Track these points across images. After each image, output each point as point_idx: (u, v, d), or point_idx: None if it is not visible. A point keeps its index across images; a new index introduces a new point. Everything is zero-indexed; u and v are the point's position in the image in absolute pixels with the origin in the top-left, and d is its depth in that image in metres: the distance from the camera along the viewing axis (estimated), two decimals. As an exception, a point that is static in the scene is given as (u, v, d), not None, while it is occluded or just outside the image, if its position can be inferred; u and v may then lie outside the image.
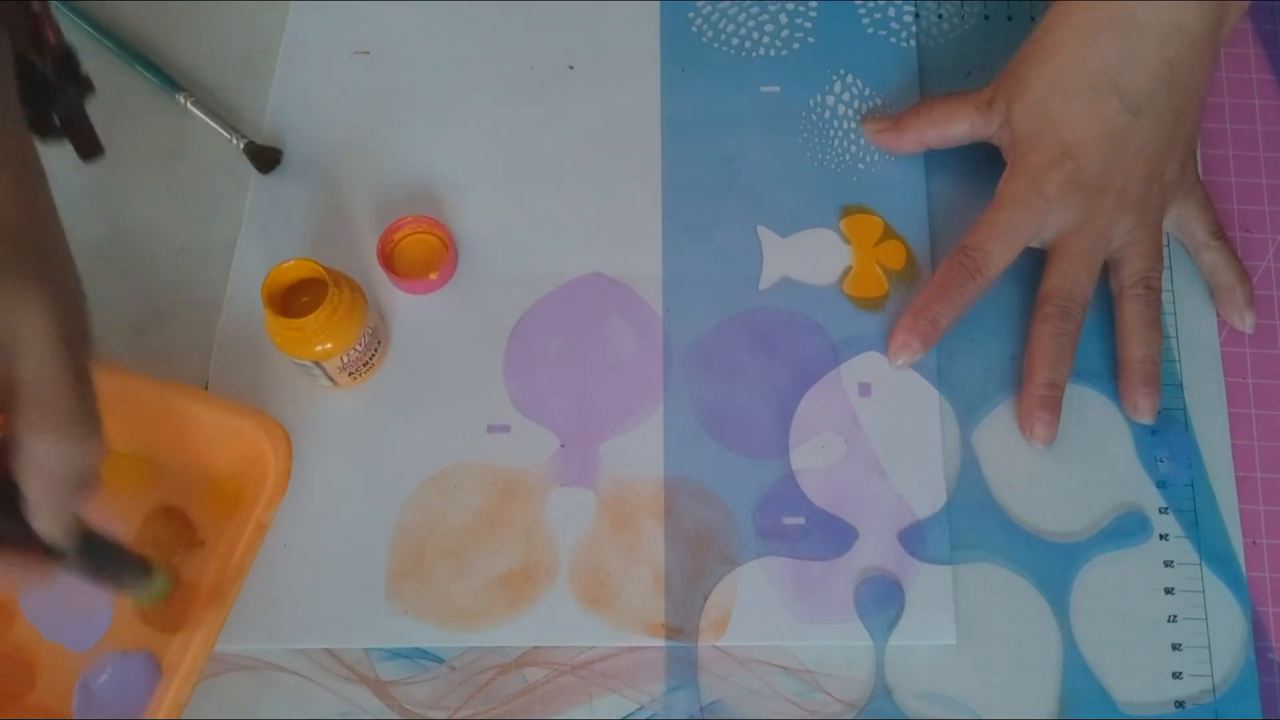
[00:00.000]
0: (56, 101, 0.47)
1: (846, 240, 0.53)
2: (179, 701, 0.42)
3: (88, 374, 0.35)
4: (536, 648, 0.46)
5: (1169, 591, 0.47)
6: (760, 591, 0.47)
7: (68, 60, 0.46)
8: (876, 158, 0.54)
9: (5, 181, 0.35)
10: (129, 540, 0.47)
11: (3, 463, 0.34)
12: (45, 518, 0.35)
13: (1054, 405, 0.48)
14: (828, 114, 0.55)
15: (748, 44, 0.57)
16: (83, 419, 0.34)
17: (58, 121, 0.47)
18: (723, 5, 0.58)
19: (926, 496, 0.48)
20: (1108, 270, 0.50)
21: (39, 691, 0.45)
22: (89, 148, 0.49)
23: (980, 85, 0.52)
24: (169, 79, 0.56)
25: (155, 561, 0.43)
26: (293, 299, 0.47)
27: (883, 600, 0.47)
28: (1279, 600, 0.47)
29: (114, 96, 0.56)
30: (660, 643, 0.46)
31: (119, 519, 0.47)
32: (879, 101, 0.56)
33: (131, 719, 0.44)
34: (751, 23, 0.57)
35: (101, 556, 0.40)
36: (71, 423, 0.34)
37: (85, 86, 0.48)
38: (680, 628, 0.46)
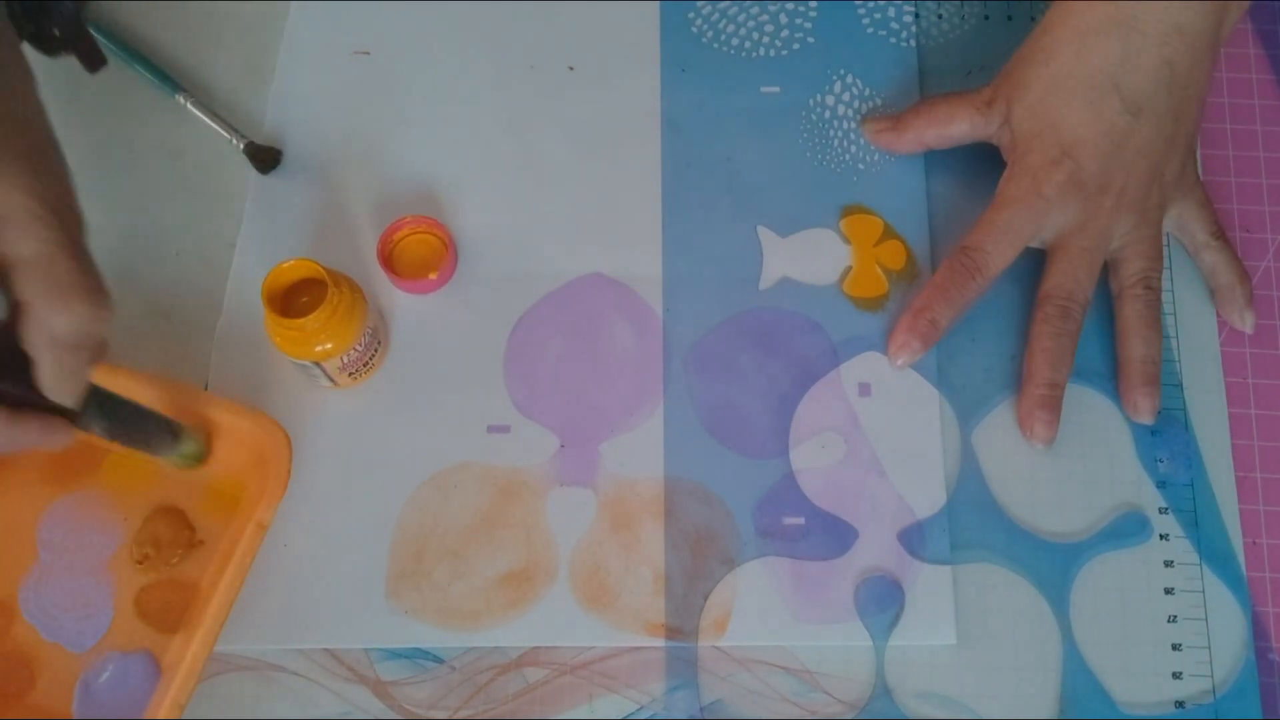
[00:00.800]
0: (54, 14, 0.49)
1: (846, 240, 0.53)
2: (179, 701, 0.42)
3: (84, 244, 0.37)
4: (536, 648, 0.46)
5: (1169, 591, 0.47)
6: (760, 591, 0.47)
7: None
8: (876, 158, 0.54)
9: None
10: (129, 533, 0.47)
11: (14, 334, 0.36)
12: (55, 384, 0.37)
13: (1054, 405, 0.48)
14: (828, 114, 0.55)
15: (748, 44, 0.57)
16: (89, 287, 0.36)
17: (57, 33, 0.50)
18: (723, 5, 0.58)
19: (926, 496, 0.48)
20: (1108, 270, 0.50)
21: (39, 692, 0.45)
22: (92, 59, 0.51)
23: (980, 85, 0.52)
24: (169, 79, 0.56)
25: (185, 425, 0.44)
26: (293, 299, 0.47)
27: (883, 600, 0.47)
28: (1279, 600, 0.47)
29: (114, 96, 0.56)
30: (660, 643, 0.46)
31: (119, 518, 0.47)
32: (879, 101, 0.56)
33: (132, 719, 0.44)
34: (751, 23, 0.57)
35: (122, 418, 0.41)
36: (79, 291, 0.36)
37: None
38: (680, 628, 0.46)
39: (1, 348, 0.36)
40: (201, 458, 0.46)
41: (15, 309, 0.36)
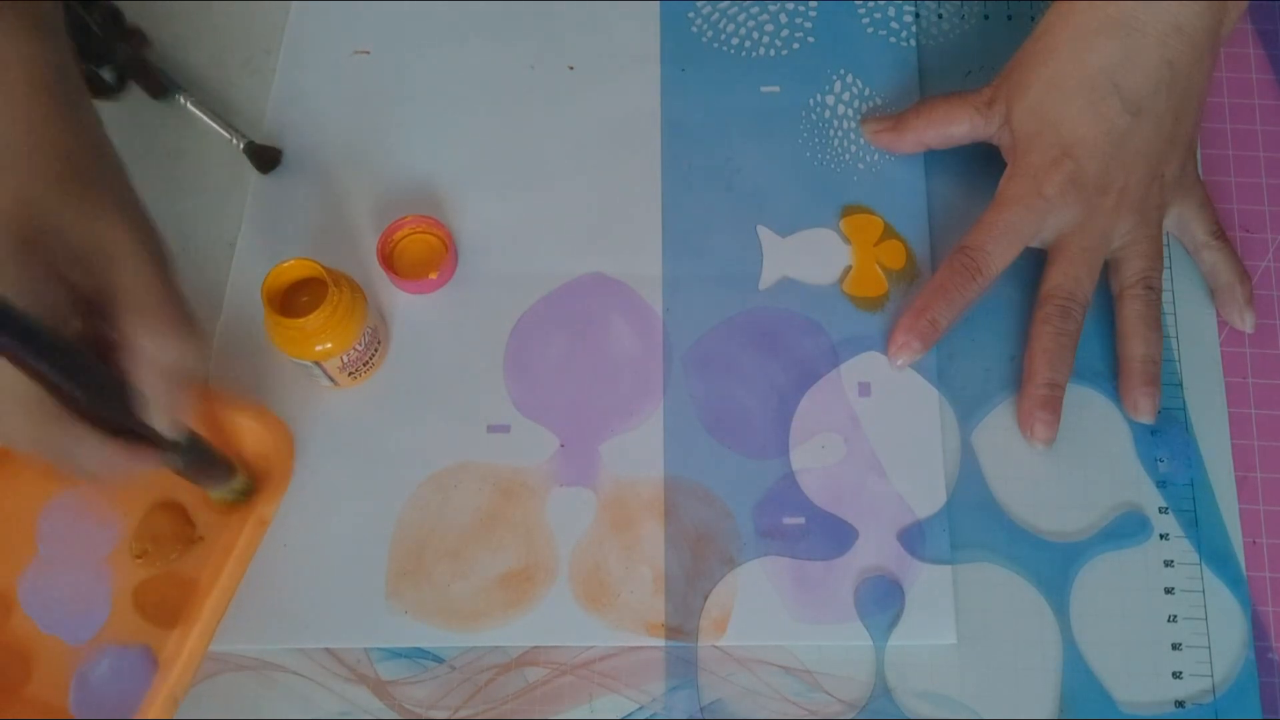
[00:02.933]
0: (117, 56, 0.54)
1: (846, 240, 0.53)
2: (175, 696, 0.42)
3: (176, 280, 0.39)
4: (536, 648, 0.46)
5: (1169, 591, 0.47)
6: (760, 591, 0.47)
7: (115, 19, 0.53)
8: (876, 158, 0.54)
9: (77, 118, 0.41)
10: (129, 528, 0.47)
11: (113, 364, 0.38)
12: (162, 412, 0.38)
13: (1054, 405, 0.48)
14: (828, 114, 0.55)
15: (748, 44, 0.57)
16: (187, 321, 0.39)
17: (119, 74, 0.54)
18: (723, 5, 0.58)
19: (926, 496, 0.48)
20: (1108, 270, 0.50)
21: (35, 684, 0.45)
22: (155, 89, 0.55)
23: (980, 85, 0.52)
24: (169, 79, 0.56)
25: (236, 463, 0.45)
26: (293, 299, 0.47)
27: (883, 600, 0.47)
28: (1279, 600, 0.47)
29: (114, 96, 0.56)
30: (660, 643, 0.46)
31: (119, 512, 0.47)
32: (879, 101, 0.56)
33: (128, 715, 0.43)
34: (751, 23, 0.57)
35: (198, 455, 0.43)
36: (178, 324, 0.38)
37: (139, 39, 0.55)
38: (680, 628, 0.46)
39: (109, 384, 0.38)
40: (249, 494, 0.47)
41: (109, 342, 0.38)
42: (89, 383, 0.37)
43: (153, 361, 0.38)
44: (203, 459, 0.43)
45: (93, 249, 0.38)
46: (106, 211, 0.39)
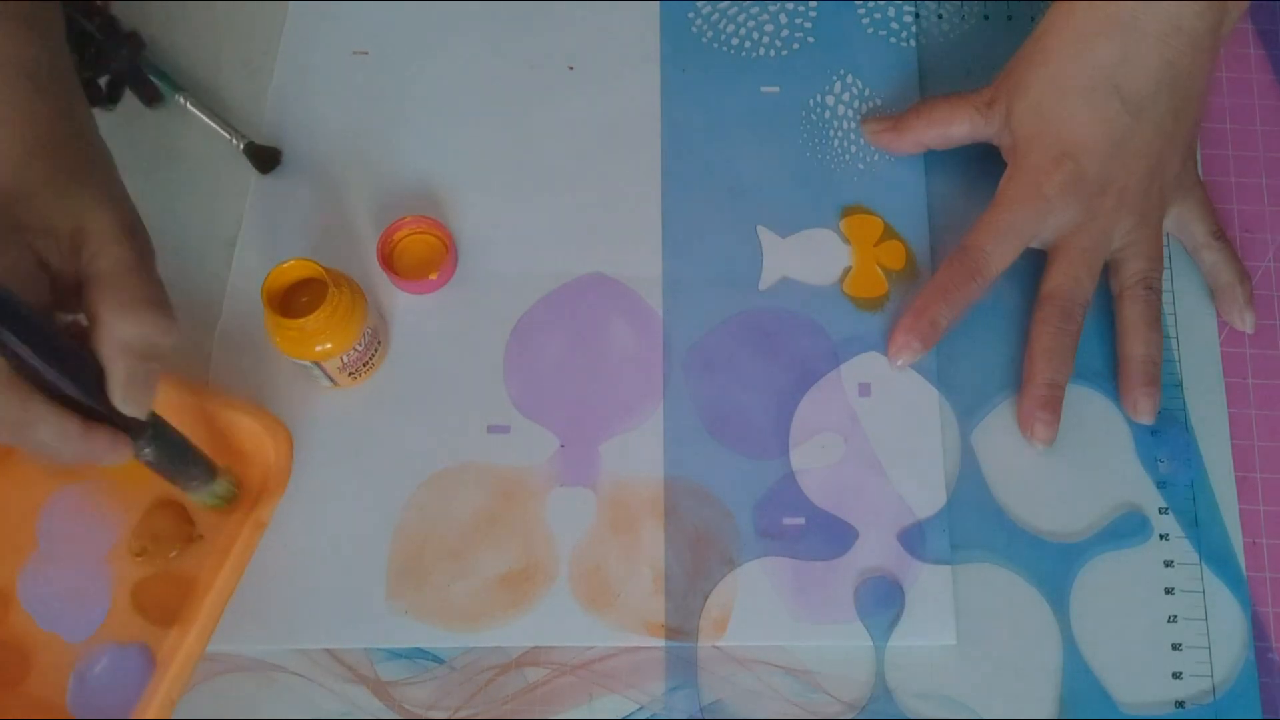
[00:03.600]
0: (114, 61, 0.54)
1: (846, 240, 0.53)
2: (172, 695, 0.42)
3: (153, 265, 0.40)
4: (536, 648, 0.46)
5: (1169, 591, 0.47)
6: (760, 591, 0.47)
7: (113, 24, 0.54)
8: (876, 158, 0.54)
9: (63, 108, 0.41)
10: (129, 526, 0.47)
11: (84, 348, 0.38)
12: (125, 392, 0.38)
13: (1054, 405, 0.48)
14: (828, 114, 0.55)
15: (748, 44, 0.57)
16: (159, 302, 0.39)
17: (113, 76, 0.54)
18: (723, 5, 0.58)
19: (926, 496, 0.48)
20: (1108, 270, 0.50)
21: (33, 680, 0.45)
22: (149, 96, 0.55)
23: (980, 85, 0.52)
24: (169, 79, 0.56)
25: (220, 466, 0.45)
26: (293, 299, 0.47)
27: (883, 600, 0.47)
28: (1279, 600, 0.47)
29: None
30: (660, 643, 0.46)
31: (119, 510, 0.47)
32: (879, 101, 0.56)
33: (125, 714, 0.43)
34: (751, 23, 0.57)
35: (171, 446, 0.42)
36: (150, 305, 0.38)
37: (136, 44, 0.55)
38: (680, 628, 0.46)
39: (75, 361, 0.37)
40: (231, 500, 0.46)
41: (81, 323, 0.38)
42: (61, 362, 0.36)
43: (117, 337, 0.38)
44: (174, 453, 0.43)
45: (70, 231, 0.38)
46: (86, 195, 0.39)
